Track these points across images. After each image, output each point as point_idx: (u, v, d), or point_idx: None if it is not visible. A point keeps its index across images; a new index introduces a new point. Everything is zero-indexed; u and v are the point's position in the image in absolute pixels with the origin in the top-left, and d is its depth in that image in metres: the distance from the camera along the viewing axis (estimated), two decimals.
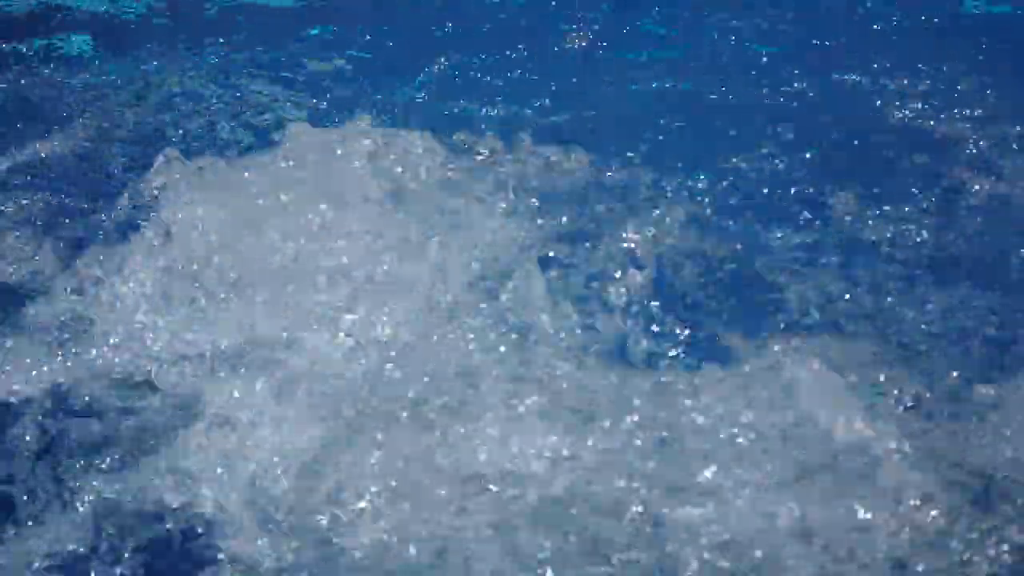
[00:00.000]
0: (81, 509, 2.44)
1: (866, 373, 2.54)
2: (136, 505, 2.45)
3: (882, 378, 2.60)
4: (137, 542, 2.39)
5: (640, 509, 2.31)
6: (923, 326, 2.93)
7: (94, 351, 2.77)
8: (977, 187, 3.53)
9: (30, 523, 2.44)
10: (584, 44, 4.77)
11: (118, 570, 2.34)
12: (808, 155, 3.74)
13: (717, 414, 2.40)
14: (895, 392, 2.58)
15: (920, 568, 2.22)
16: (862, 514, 2.26)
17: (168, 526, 2.41)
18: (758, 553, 2.24)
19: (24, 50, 4.92)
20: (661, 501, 2.31)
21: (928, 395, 2.60)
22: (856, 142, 3.92)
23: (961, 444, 2.46)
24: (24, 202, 3.68)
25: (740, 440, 2.37)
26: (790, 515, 2.26)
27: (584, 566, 2.25)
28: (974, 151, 3.77)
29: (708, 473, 2.32)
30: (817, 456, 2.34)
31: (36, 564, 2.35)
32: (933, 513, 2.27)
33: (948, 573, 2.22)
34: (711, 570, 2.23)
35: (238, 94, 4.46)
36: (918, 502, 2.27)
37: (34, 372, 2.71)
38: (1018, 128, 3.88)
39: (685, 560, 2.24)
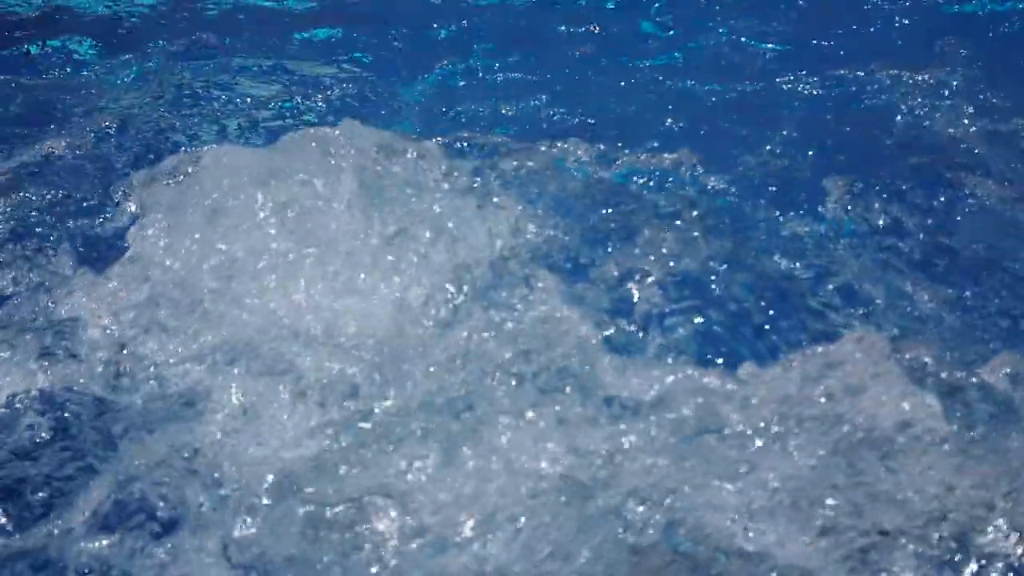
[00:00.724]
0: (88, 500, 2.46)
1: (899, 362, 2.54)
2: (140, 494, 2.47)
3: (915, 366, 2.62)
4: (143, 530, 2.42)
5: (670, 502, 2.32)
6: (946, 318, 2.95)
7: (91, 354, 2.78)
8: (980, 184, 3.54)
9: (38, 514, 2.46)
10: (587, 44, 4.79)
11: (127, 549, 2.37)
12: (811, 152, 3.76)
13: (752, 407, 2.41)
14: (930, 379, 2.60)
15: (955, 545, 2.25)
16: (900, 497, 2.28)
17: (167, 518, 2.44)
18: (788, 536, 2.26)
19: (31, 52, 4.95)
20: (694, 492, 2.34)
21: (961, 382, 2.62)
22: (860, 140, 3.94)
23: (1000, 430, 2.47)
24: (29, 202, 3.70)
25: (777, 428, 2.37)
26: (821, 501, 2.28)
27: (613, 558, 2.26)
28: (977, 148, 3.80)
29: (743, 467, 2.33)
30: (857, 442, 2.36)
31: (47, 548, 2.38)
32: (973, 496, 2.28)
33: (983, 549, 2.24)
34: (745, 553, 2.26)
35: (243, 96, 4.48)
36: (964, 486, 2.28)
37: (31, 375, 2.72)
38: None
39: (716, 544, 2.26)
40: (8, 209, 3.63)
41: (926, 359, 2.64)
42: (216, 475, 2.48)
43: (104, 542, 2.40)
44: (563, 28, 4.92)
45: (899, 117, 4.07)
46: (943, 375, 2.59)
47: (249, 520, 2.39)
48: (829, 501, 2.30)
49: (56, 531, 2.43)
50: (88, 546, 2.39)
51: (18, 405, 2.67)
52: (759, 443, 2.38)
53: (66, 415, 2.66)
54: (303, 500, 2.40)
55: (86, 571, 2.36)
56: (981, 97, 4.08)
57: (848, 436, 2.37)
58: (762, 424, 2.39)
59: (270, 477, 2.45)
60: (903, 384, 2.43)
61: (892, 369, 2.45)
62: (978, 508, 2.28)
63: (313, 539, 2.36)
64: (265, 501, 2.41)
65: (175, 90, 4.51)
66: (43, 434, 2.62)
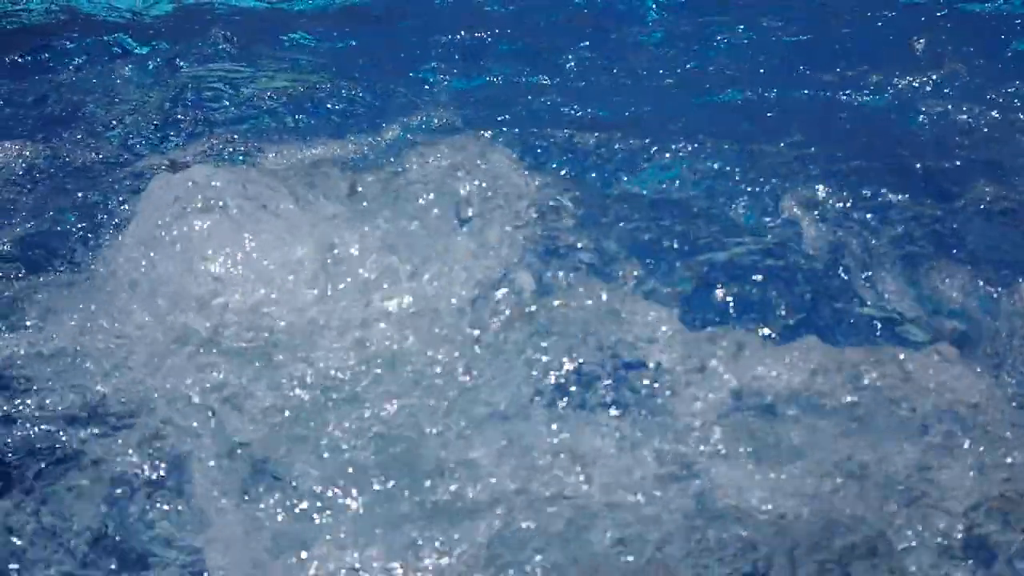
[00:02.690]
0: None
1: (962, 352, 2.57)
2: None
3: (978, 356, 2.64)
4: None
5: (726, 485, 2.36)
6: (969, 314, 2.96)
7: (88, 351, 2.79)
8: (984, 182, 3.55)
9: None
10: (593, 47, 4.81)
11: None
12: (813, 150, 3.77)
13: (800, 392, 2.45)
14: (992, 367, 2.63)
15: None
16: (965, 483, 2.31)
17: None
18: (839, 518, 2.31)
19: (40, 55, 4.98)
20: (763, 476, 2.37)
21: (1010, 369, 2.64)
22: (862, 139, 3.94)
23: None
24: (33, 204, 3.73)
25: (838, 416, 2.41)
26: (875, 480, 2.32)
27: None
28: (980, 146, 3.80)
29: (809, 453, 2.38)
30: (920, 430, 2.40)
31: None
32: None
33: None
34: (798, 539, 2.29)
35: (249, 98, 4.50)
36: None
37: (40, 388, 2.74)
38: None
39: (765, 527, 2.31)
40: (11, 210, 3.66)
41: (989, 348, 2.66)
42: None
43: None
44: (570, 31, 4.94)
45: (907, 113, 4.09)
46: (1004, 362, 2.61)
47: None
48: (892, 487, 2.33)
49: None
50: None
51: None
52: (822, 428, 2.41)
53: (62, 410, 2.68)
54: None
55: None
56: (981, 96, 4.09)
57: (911, 425, 2.40)
58: (822, 410, 2.42)
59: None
60: (965, 373, 2.46)
61: (954, 359, 2.49)
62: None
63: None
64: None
65: (182, 93, 4.53)
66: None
